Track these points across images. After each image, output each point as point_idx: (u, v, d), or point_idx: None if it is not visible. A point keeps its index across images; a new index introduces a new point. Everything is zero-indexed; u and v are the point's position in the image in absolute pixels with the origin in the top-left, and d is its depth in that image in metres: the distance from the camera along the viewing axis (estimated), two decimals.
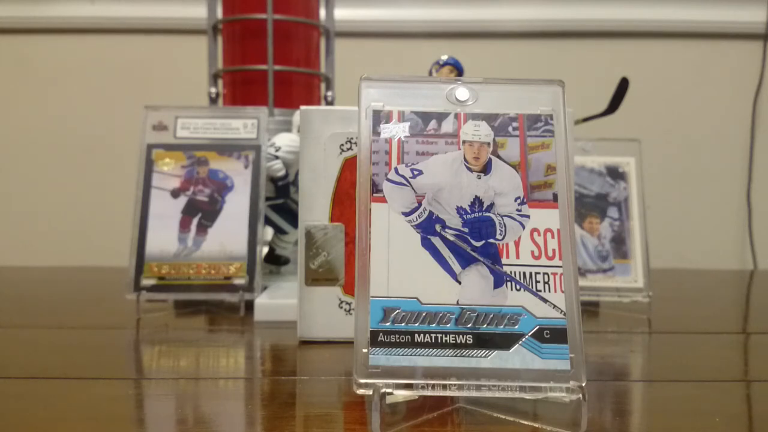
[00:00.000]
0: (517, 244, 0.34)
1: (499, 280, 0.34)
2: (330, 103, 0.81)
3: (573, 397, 0.31)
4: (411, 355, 0.32)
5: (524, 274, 0.34)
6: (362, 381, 0.31)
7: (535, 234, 0.35)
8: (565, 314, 0.33)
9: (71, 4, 1.13)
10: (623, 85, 0.71)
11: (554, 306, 0.33)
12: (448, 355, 0.32)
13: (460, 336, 0.33)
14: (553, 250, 0.34)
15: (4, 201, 1.16)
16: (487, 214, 0.35)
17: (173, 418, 0.35)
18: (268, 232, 0.72)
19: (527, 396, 0.32)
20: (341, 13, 0.94)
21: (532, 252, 0.34)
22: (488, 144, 0.36)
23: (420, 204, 0.35)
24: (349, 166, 0.50)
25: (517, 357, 0.32)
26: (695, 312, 0.67)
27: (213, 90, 0.78)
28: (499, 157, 0.36)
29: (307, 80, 0.79)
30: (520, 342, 0.33)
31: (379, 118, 0.36)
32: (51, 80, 1.15)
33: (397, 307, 0.33)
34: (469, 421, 0.34)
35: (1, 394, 0.38)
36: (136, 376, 0.43)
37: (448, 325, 0.33)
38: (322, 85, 0.82)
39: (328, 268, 0.50)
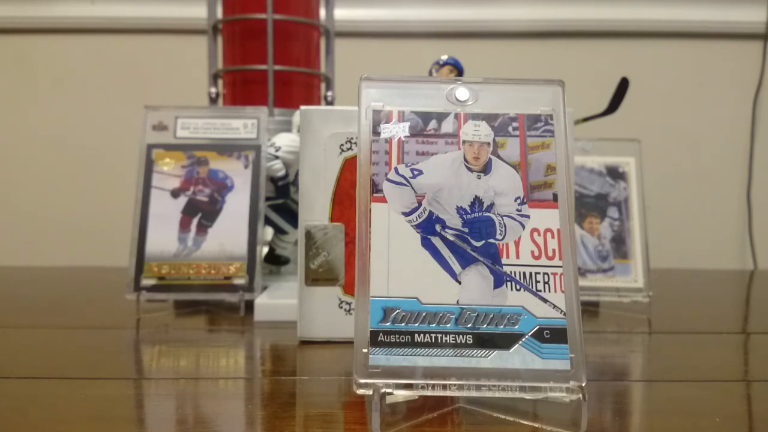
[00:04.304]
0: (517, 244, 0.34)
1: (499, 280, 0.34)
2: (330, 103, 0.81)
3: (573, 397, 0.31)
4: (411, 355, 0.32)
5: (524, 274, 0.34)
6: (362, 381, 0.31)
7: (535, 234, 0.35)
8: (565, 314, 0.33)
9: (71, 4, 1.13)
10: (623, 85, 0.71)
11: (554, 306, 0.33)
12: (448, 355, 0.32)
13: (460, 336, 0.33)
14: (553, 250, 0.34)
15: (4, 201, 1.16)
16: (487, 214, 0.35)
17: (173, 418, 0.35)
18: (268, 232, 0.72)
19: (527, 396, 0.32)
20: (341, 13, 0.94)
21: (532, 252, 0.34)
22: (488, 144, 0.36)
23: (420, 204, 0.35)
24: (349, 166, 0.50)
25: (517, 357, 0.32)
26: (695, 312, 0.67)
27: (213, 90, 0.78)
28: (499, 157, 0.36)
29: (307, 80, 0.79)
30: (520, 342, 0.33)
31: (379, 118, 0.36)
32: (51, 80, 1.15)
33: (397, 307, 0.33)
34: (469, 421, 0.34)
35: (1, 394, 0.38)
36: (136, 376, 0.43)
37: (448, 325, 0.33)
38: (322, 85, 0.82)
39: (328, 268, 0.50)
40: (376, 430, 0.31)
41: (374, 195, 0.35)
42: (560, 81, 0.37)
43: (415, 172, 0.35)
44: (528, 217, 0.35)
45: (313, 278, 0.50)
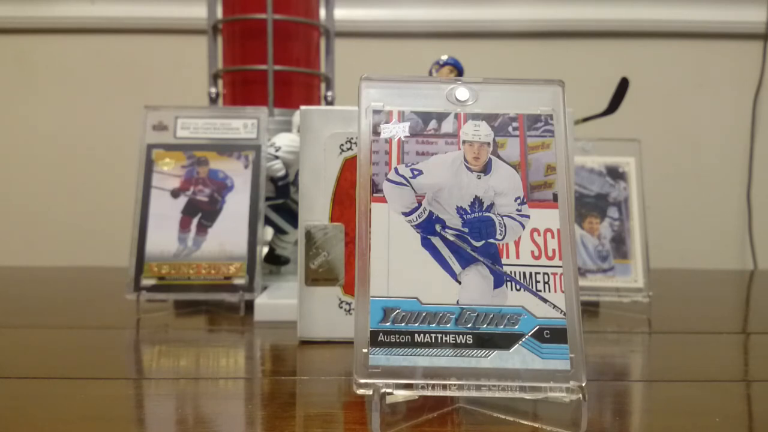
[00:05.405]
0: (517, 244, 0.34)
1: (499, 280, 0.34)
2: (330, 103, 0.81)
3: (573, 397, 0.31)
4: (411, 355, 0.32)
5: (524, 274, 0.34)
6: (362, 381, 0.31)
7: (535, 234, 0.35)
8: (565, 314, 0.33)
9: (71, 4, 1.13)
10: (623, 85, 0.71)
11: (554, 306, 0.33)
12: (448, 355, 0.32)
13: (460, 336, 0.33)
14: (553, 250, 0.34)
15: (5, 201, 1.16)
16: (487, 214, 0.35)
17: (173, 418, 0.35)
18: (268, 232, 0.72)
19: (527, 396, 0.32)
20: (341, 13, 0.94)
21: (532, 252, 0.34)
22: (488, 144, 0.36)
23: (420, 204, 0.35)
24: (349, 166, 0.50)
25: (517, 357, 0.32)
26: (695, 312, 0.67)
27: (213, 90, 0.78)
28: (499, 157, 0.36)
29: (307, 80, 0.79)
30: (520, 342, 0.33)
31: (379, 118, 0.36)
32: (51, 80, 1.15)
33: (397, 307, 0.33)
34: (469, 421, 0.34)
35: (1, 394, 0.38)
36: (136, 376, 0.43)
37: (448, 325, 0.33)
38: (322, 85, 0.82)
39: (328, 268, 0.50)
40: (376, 430, 0.31)
41: (374, 195, 0.35)
42: (560, 81, 0.37)
43: (415, 172, 0.35)
44: (528, 217, 0.35)
45: (313, 278, 0.50)
